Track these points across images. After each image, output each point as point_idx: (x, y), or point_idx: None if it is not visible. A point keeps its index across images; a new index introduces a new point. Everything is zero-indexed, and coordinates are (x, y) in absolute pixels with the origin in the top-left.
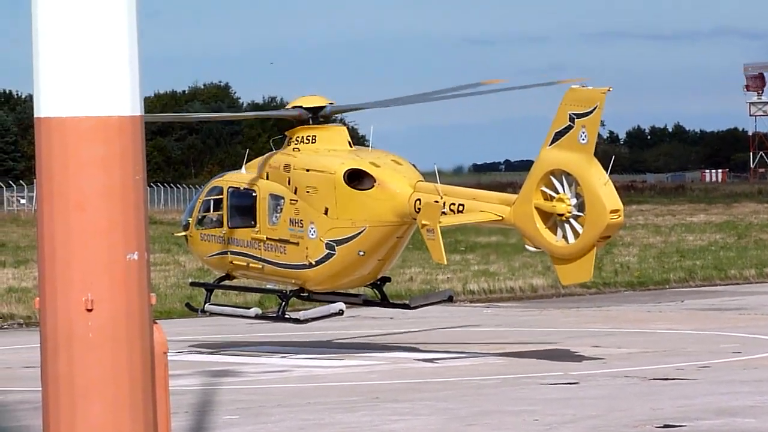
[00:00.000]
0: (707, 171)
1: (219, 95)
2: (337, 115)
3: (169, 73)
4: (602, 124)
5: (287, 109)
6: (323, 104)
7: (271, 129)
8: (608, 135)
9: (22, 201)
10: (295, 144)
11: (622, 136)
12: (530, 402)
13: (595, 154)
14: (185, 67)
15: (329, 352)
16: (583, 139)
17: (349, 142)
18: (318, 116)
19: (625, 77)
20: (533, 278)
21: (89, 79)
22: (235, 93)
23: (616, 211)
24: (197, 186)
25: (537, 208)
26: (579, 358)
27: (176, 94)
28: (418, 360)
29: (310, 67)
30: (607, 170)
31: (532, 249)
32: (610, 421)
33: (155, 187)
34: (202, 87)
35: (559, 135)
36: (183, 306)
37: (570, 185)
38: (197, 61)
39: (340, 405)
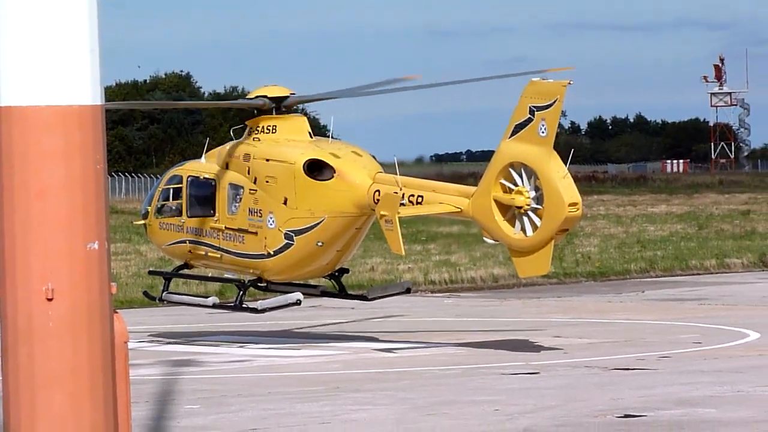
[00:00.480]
0: (668, 162)
1: (180, 85)
2: (298, 105)
3: (130, 63)
4: (563, 115)
5: (251, 98)
6: (286, 94)
7: (233, 119)
8: (570, 125)
9: None
10: (256, 134)
11: (584, 126)
12: (491, 392)
13: (557, 145)
14: (147, 56)
15: (290, 342)
16: (543, 132)
17: (310, 133)
18: (281, 106)
19: (586, 68)
20: (494, 268)
21: (50, 68)
22: (196, 83)
23: (574, 204)
24: (158, 176)
25: (495, 201)
26: (540, 348)
27: (138, 84)
28: (379, 350)
29: (272, 58)
30: (567, 161)
31: (490, 241)
32: (571, 411)
33: (116, 177)
34: (164, 76)
35: (519, 127)
36: (143, 295)
37: (529, 178)
38: (159, 51)
39: (301, 395)
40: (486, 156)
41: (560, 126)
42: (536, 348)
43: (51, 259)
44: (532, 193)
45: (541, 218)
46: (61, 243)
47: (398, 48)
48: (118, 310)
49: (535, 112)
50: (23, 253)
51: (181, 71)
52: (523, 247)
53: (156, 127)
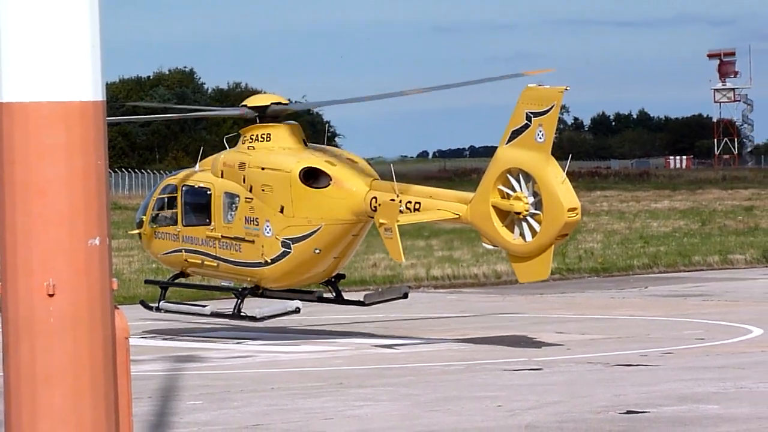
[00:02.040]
0: (671, 157)
1: (184, 81)
2: (301, 111)
3: (133, 59)
4: (566, 111)
5: (232, 107)
6: (267, 103)
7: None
8: (573, 121)
9: None
10: (250, 142)
11: (587, 122)
12: (493, 388)
13: (560, 141)
14: (150, 52)
15: (292, 337)
16: (540, 138)
17: (304, 140)
18: (264, 115)
19: (590, 64)
20: (497, 264)
21: (51, 64)
22: (200, 79)
23: (573, 209)
24: (162, 171)
25: (494, 207)
26: (542, 344)
27: (141, 80)
28: (382, 346)
29: (276, 53)
30: (565, 166)
31: (489, 246)
32: (573, 407)
33: (120, 173)
34: (167, 72)
35: (516, 133)
36: (147, 291)
37: (527, 184)
38: (162, 46)
39: (303, 391)
40: (489, 152)
41: (563, 122)
42: (539, 344)
43: (52, 254)
44: (531, 199)
45: (540, 223)
46: (63, 239)
47: (402, 44)
48: (119, 306)
49: (532, 118)
50: (24, 249)
51: (185, 67)
52: (522, 253)
53: (159, 123)
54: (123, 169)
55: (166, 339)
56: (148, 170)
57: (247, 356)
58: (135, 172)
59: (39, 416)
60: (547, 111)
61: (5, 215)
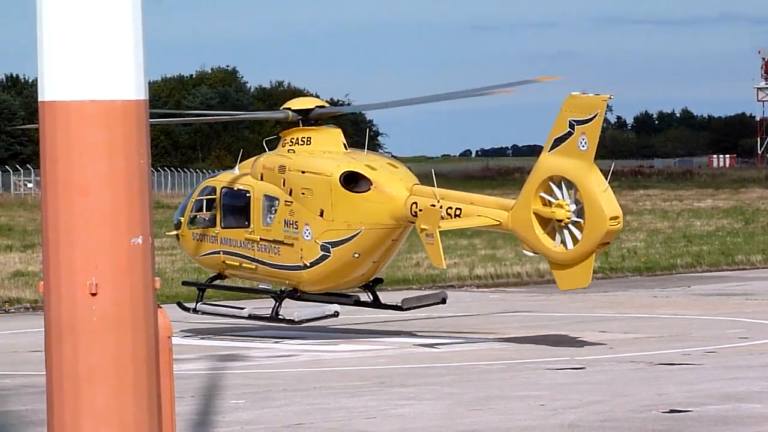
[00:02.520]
0: (715, 156)
1: (226, 80)
2: (335, 115)
3: (176, 57)
4: (609, 110)
5: (275, 110)
6: (311, 106)
7: None
8: (616, 120)
9: (29, 185)
10: (290, 145)
11: (630, 121)
12: (536, 387)
13: (603, 139)
14: (193, 51)
15: (335, 336)
16: (583, 146)
17: (344, 144)
18: (307, 118)
19: (633, 62)
20: (540, 263)
21: (93, 62)
22: (242, 77)
23: (615, 218)
24: (204, 170)
25: (535, 214)
26: (585, 343)
27: (183, 78)
28: (424, 345)
29: (319, 52)
30: (608, 176)
31: (530, 254)
32: (616, 406)
33: (162, 172)
34: (210, 71)
35: (558, 141)
36: (189, 290)
37: (569, 191)
38: (205, 45)
39: (345, 390)
40: (532, 151)
41: (606, 120)
42: (581, 343)
43: (95, 253)
44: (573, 207)
45: (581, 231)
46: (105, 238)
47: (442, 43)
48: (162, 305)
49: (575, 126)
50: (67, 247)
51: (227, 66)
52: (563, 260)
53: (202, 123)
54: (165, 168)
55: (203, 338)
56: (191, 169)
57: (289, 355)
58: (177, 171)
59: (82, 415)
60: (591, 119)
61: (48, 214)
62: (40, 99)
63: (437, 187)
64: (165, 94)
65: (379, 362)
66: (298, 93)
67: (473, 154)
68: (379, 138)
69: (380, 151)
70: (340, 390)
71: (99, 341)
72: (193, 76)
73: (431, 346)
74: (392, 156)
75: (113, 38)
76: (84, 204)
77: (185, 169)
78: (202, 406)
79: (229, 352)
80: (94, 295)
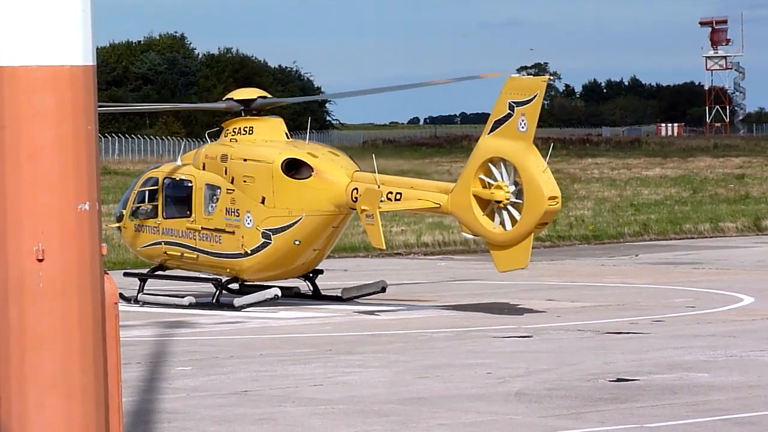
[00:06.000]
0: (663, 125)
1: (174, 46)
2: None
3: (124, 23)
4: (558, 78)
5: (219, 101)
6: (254, 96)
7: (227, 80)
8: (564, 88)
9: None
10: (233, 135)
11: (578, 89)
12: (483, 355)
13: (551, 108)
14: (141, 16)
15: (283, 304)
16: (523, 127)
17: (287, 134)
18: (249, 108)
19: (582, 31)
20: None
21: (41, 28)
22: (190, 43)
23: (554, 197)
24: (152, 137)
25: (475, 196)
26: (532, 311)
27: (131, 44)
28: (371, 313)
29: (267, 19)
30: (547, 155)
31: (469, 236)
32: (563, 375)
33: (110, 138)
34: (158, 37)
35: (498, 123)
36: (135, 256)
37: (508, 172)
38: (153, 11)
39: (293, 357)
40: (480, 119)
41: (554, 88)
42: (529, 311)
43: (42, 219)
44: (512, 188)
45: (520, 212)
46: (53, 203)
47: (389, 10)
48: (108, 271)
49: (515, 108)
50: (14, 213)
51: (175, 32)
52: (503, 241)
53: (149, 88)
54: (113, 135)
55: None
56: (138, 135)
57: (236, 322)
58: (125, 137)
59: (28, 381)
60: (530, 100)
61: None
62: None
63: (386, 158)
64: (113, 60)
65: (325, 329)
66: (245, 59)
67: (421, 122)
68: (327, 105)
69: (328, 118)
70: (287, 357)
71: (45, 307)
72: (141, 42)
73: (378, 313)
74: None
75: (60, 3)
76: (31, 169)
77: (132, 135)
78: (149, 372)
79: (175, 319)
80: (40, 260)
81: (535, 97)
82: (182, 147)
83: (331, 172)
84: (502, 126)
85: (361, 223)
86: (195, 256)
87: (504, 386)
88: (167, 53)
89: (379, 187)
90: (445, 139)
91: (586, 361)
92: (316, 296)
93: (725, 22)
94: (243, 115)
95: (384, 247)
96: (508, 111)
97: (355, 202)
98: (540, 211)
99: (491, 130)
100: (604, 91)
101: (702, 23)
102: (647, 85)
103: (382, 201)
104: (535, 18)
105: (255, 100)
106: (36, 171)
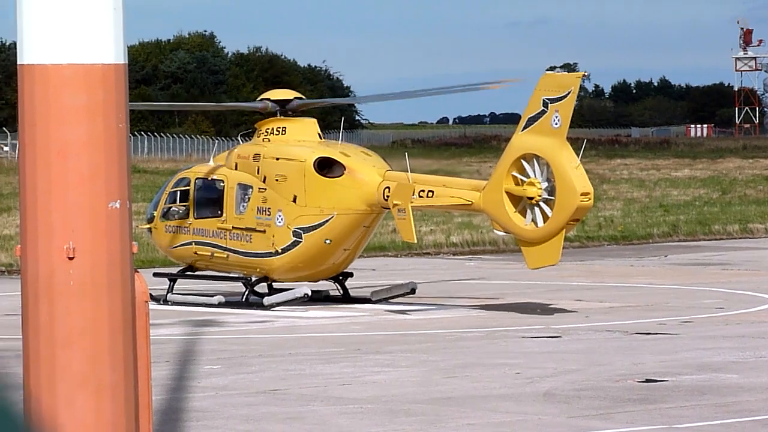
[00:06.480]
0: (692, 126)
1: (203, 44)
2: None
3: (154, 22)
4: (587, 78)
5: (255, 101)
6: (290, 97)
7: (256, 79)
8: (593, 88)
9: (6, 148)
10: (265, 135)
11: (608, 89)
12: (512, 355)
13: (581, 108)
14: (170, 15)
15: (311, 303)
16: (556, 124)
17: (319, 134)
18: (285, 109)
19: (611, 30)
20: None
21: (73, 26)
22: (219, 42)
23: (586, 194)
24: (181, 135)
25: (507, 193)
26: (561, 312)
27: (161, 43)
28: (400, 312)
29: (296, 18)
30: (580, 153)
31: (501, 233)
32: (592, 375)
33: (139, 136)
34: (187, 36)
35: (531, 120)
36: (164, 255)
37: (541, 169)
38: (182, 10)
39: (321, 356)
40: (509, 119)
41: (584, 89)
42: (558, 311)
43: (73, 217)
44: (545, 184)
45: (552, 209)
46: (83, 201)
47: (418, 10)
48: (139, 270)
49: (549, 104)
50: (45, 211)
51: (205, 31)
52: (534, 238)
53: (179, 87)
54: (142, 133)
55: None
56: (167, 134)
57: (265, 321)
58: (154, 136)
59: (57, 379)
60: (564, 97)
61: (26, 177)
62: (18, 62)
63: (415, 158)
64: (142, 59)
65: (354, 329)
66: (275, 58)
67: (450, 122)
68: (356, 105)
69: (357, 117)
70: (316, 356)
71: (76, 305)
72: (171, 41)
73: (408, 312)
74: (369, 122)
75: (92, 1)
76: (62, 167)
77: (162, 134)
78: (178, 371)
79: (204, 318)
80: (71, 258)
81: (569, 93)
82: (214, 146)
83: (363, 171)
84: (536, 123)
85: (393, 217)
86: (225, 255)
87: (532, 386)
88: (196, 52)
89: (411, 184)
90: (474, 138)
91: (614, 362)
92: (346, 299)
93: (756, 22)
94: (278, 115)
95: (415, 241)
96: (542, 108)
97: (387, 200)
98: (572, 207)
99: (525, 127)
100: (634, 91)
101: (740, 23)
102: (676, 86)
103: (414, 198)
104: (564, 16)
105: (291, 101)
106: (67, 169)
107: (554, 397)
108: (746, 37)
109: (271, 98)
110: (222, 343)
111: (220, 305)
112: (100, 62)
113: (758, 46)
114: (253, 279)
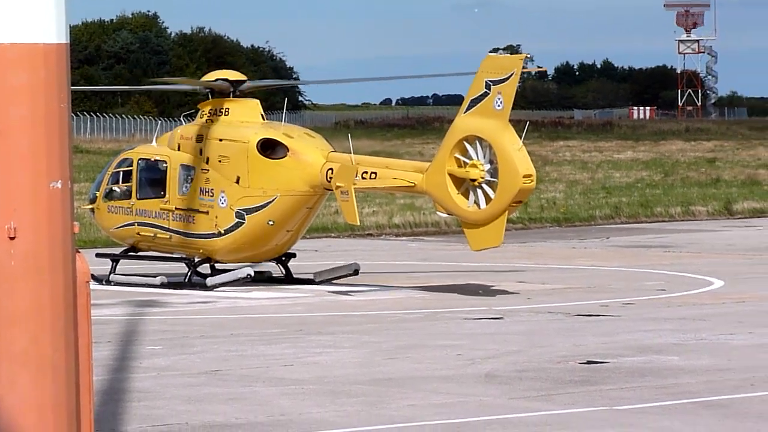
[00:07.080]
0: (635, 108)
1: (147, 25)
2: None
3: (97, 2)
4: (531, 60)
5: (211, 81)
6: (243, 78)
7: (199, 59)
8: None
9: None
10: (209, 116)
11: (551, 71)
12: (453, 337)
13: (524, 90)
14: None
15: (254, 284)
16: (499, 106)
17: (262, 115)
18: (237, 90)
19: (554, 13)
20: None
21: (15, 5)
22: (163, 22)
23: (528, 176)
24: (124, 116)
25: (450, 175)
26: (503, 293)
27: (104, 23)
28: (342, 293)
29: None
30: (522, 134)
31: (443, 214)
32: (533, 357)
33: (82, 117)
34: (130, 16)
35: (474, 102)
36: (106, 236)
37: (484, 151)
38: None
39: (263, 337)
40: (452, 100)
41: (527, 72)
42: (500, 293)
43: (14, 197)
44: (487, 166)
45: (495, 190)
46: (24, 181)
47: None
48: (80, 250)
49: (492, 86)
50: None
51: (148, 11)
52: (477, 220)
53: (122, 67)
54: (85, 113)
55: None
56: (110, 114)
57: (207, 302)
58: (97, 116)
59: (1, 358)
60: (507, 79)
61: None
62: None
63: (358, 139)
64: (85, 39)
65: (296, 310)
66: (218, 39)
67: (393, 103)
68: (299, 86)
69: (300, 99)
70: (258, 337)
71: (17, 285)
72: (114, 21)
73: (349, 293)
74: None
75: None
76: (3, 147)
77: (105, 114)
78: (120, 351)
79: (147, 298)
80: (12, 239)
81: (511, 75)
82: (157, 127)
83: (307, 153)
84: (478, 105)
85: (336, 199)
86: (168, 236)
87: (474, 368)
88: (140, 32)
89: (354, 165)
90: (417, 120)
91: (556, 344)
92: (289, 280)
93: (698, 6)
94: (232, 96)
95: (358, 223)
96: (485, 90)
97: (330, 182)
98: (514, 189)
99: (467, 109)
100: (577, 73)
101: (670, 6)
102: (619, 68)
103: (357, 179)
104: (507, 0)
105: (244, 82)
106: (8, 149)
107: (495, 378)
108: (686, 20)
109: (229, 78)
110: (164, 323)
111: (162, 286)
112: (42, 42)
113: (696, 28)
114: (196, 260)
